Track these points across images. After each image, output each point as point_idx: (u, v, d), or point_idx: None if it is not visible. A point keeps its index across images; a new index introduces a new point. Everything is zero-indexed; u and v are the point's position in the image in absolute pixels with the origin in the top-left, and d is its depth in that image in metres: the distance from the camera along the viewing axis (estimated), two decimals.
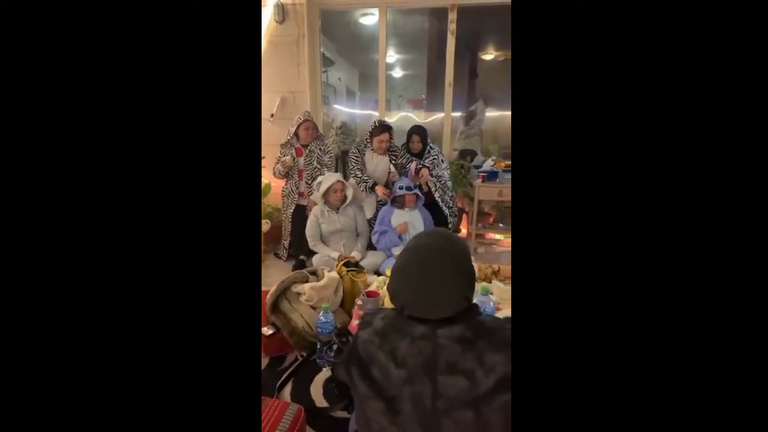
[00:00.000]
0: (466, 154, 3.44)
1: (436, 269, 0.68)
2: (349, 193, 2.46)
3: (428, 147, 2.68)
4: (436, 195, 2.62)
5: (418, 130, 2.68)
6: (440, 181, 2.65)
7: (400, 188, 2.42)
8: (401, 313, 0.70)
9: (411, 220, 2.42)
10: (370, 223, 2.61)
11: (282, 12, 2.93)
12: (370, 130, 2.62)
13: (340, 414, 1.18)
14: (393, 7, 3.15)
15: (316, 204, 2.58)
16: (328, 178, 2.44)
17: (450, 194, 2.72)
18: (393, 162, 2.64)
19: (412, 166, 2.55)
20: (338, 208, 2.47)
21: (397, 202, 2.45)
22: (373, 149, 2.64)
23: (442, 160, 2.71)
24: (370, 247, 2.56)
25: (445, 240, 0.73)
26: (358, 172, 2.64)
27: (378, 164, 2.67)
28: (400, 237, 2.40)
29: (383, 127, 2.57)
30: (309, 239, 2.47)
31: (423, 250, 0.71)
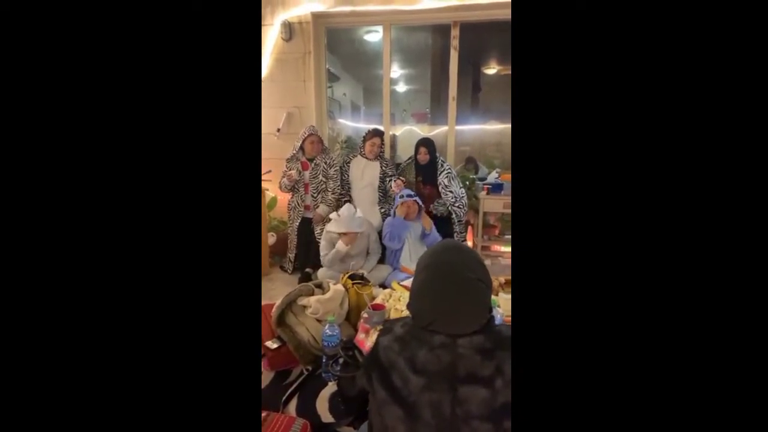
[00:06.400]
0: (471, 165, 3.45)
1: (458, 287, 0.68)
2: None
3: (440, 161, 2.69)
4: (454, 216, 2.63)
5: (425, 142, 2.70)
6: (461, 201, 2.65)
7: (401, 197, 2.32)
8: (426, 328, 0.69)
9: (413, 229, 2.40)
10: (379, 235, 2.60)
11: (289, 30, 3.00)
12: (363, 136, 2.75)
13: (346, 429, 1.16)
14: (397, 24, 3.21)
15: (322, 217, 2.57)
16: (354, 225, 2.15)
17: (464, 210, 2.72)
18: (384, 168, 2.70)
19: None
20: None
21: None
22: (364, 155, 2.71)
23: (455, 176, 2.72)
24: (378, 261, 2.53)
25: (460, 253, 0.72)
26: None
27: (365, 169, 2.71)
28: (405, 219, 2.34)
29: (375, 132, 2.71)
30: (325, 265, 2.33)
31: (441, 268, 0.70)
